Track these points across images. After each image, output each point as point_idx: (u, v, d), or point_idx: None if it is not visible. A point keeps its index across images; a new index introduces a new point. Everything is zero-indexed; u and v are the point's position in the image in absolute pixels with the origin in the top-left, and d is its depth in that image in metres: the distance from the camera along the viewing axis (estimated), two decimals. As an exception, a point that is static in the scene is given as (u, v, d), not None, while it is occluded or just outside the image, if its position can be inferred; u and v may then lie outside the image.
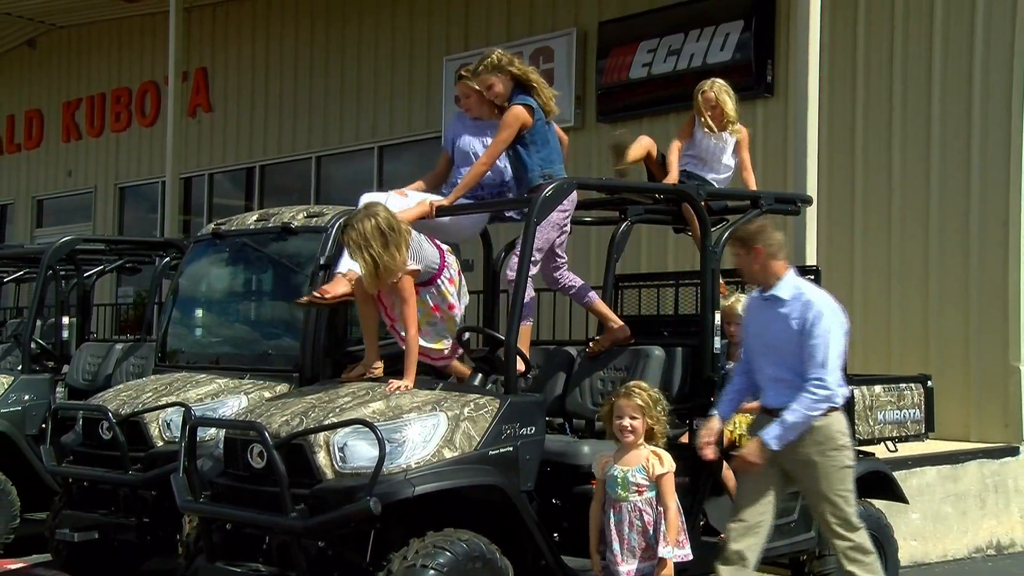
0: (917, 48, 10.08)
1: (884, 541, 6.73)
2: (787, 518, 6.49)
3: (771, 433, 5.53)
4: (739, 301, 6.48)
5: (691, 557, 5.57)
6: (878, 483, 6.95)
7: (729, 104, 7.12)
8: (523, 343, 6.10)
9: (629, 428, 5.41)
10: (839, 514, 5.72)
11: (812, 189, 8.25)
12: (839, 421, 5.68)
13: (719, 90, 7.14)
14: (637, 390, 5.47)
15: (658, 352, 6.44)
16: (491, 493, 5.47)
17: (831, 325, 5.57)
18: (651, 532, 5.38)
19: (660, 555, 5.34)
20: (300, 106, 15.66)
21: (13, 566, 8.27)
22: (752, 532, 5.67)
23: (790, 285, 5.73)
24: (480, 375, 6.02)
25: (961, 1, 9.83)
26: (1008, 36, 9.52)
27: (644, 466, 5.39)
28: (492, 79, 6.27)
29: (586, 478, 5.85)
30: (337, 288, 6.09)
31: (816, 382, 5.50)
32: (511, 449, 5.45)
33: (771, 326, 5.72)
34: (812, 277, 7.21)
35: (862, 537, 5.79)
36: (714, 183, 7.15)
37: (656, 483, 5.39)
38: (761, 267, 5.74)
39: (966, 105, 9.73)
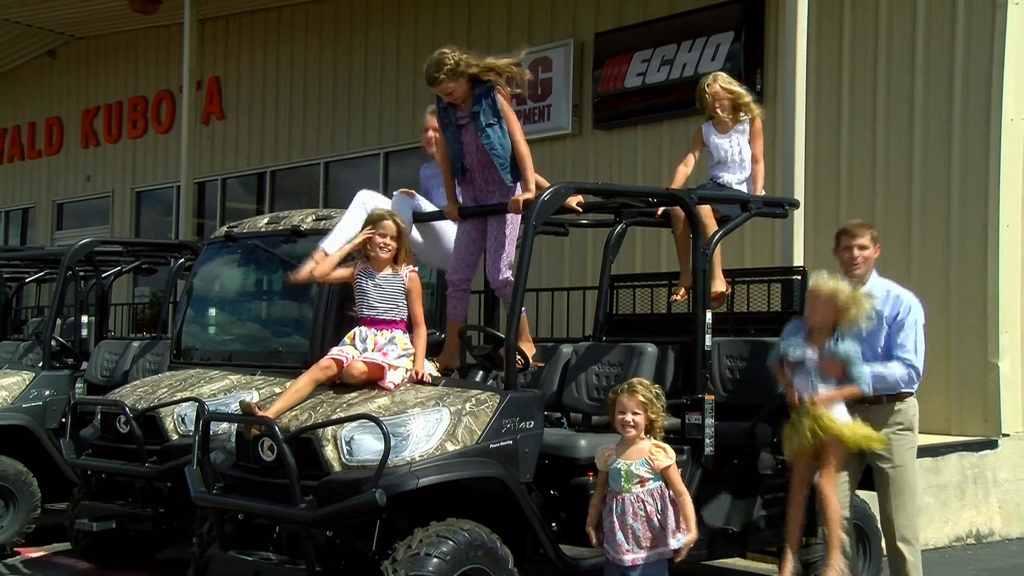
0: (900, 59, 10.07)
1: (868, 530, 6.74)
2: (775, 509, 6.49)
3: (864, 380, 5.93)
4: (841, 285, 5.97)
5: (697, 535, 5.56)
6: (863, 475, 6.94)
7: (737, 89, 6.90)
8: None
9: (631, 423, 5.43)
10: (905, 493, 6.06)
11: (799, 193, 8.24)
12: (914, 407, 6.15)
13: (725, 82, 6.92)
14: (640, 387, 5.49)
15: (651, 349, 6.44)
16: (492, 484, 5.47)
17: (918, 317, 6.12)
18: (655, 521, 5.37)
19: (672, 547, 5.35)
20: (309, 114, 15.66)
21: (34, 554, 8.27)
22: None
23: (879, 283, 6.19)
24: (481, 372, 6.03)
25: (942, 14, 9.82)
26: (987, 49, 9.50)
27: (647, 459, 5.41)
28: (451, 86, 6.04)
29: (583, 470, 5.85)
30: (303, 271, 6.22)
31: (908, 364, 6.04)
32: (511, 442, 5.45)
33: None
34: (799, 277, 7.22)
35: (917, 522, 6.17)
36: (740, 186, 6.99)
37: (662, 475, 5.40)
38: (871, 264, 6.19)
39: (947, 110, 9.73)
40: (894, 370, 6.02)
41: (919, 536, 6.18)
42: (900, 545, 6.04)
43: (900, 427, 6.07)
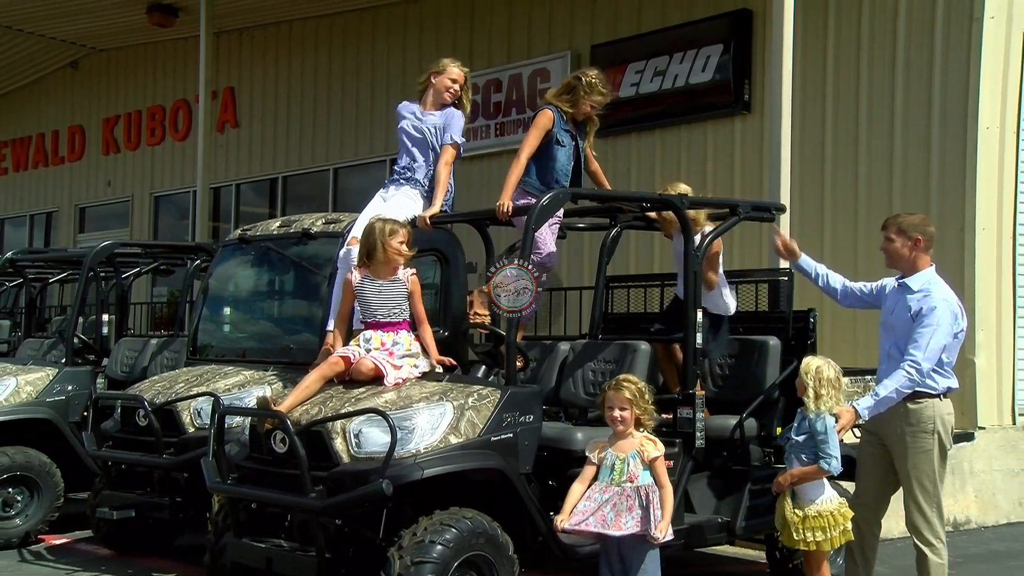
0: (882, 69, 10.08)
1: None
2: (762, 499, 6.49)
3: (863, 404, 5.64)
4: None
5: (672, 536, 5.55)
6: (846, 466, 6.91)
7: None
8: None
9: (619, 418, 5.44)
10: (919, 495, 5.71)
11: (785, 198, 8.24)
12: (932, 408, 5.74)
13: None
14: (626, 383, 5.49)
15: (645, 346, 6.44)
16: (493, 475, 5.47)
17: (942, 320, 5.68)
18: (629, 515, 5.36)
19: (655, 536, 5.33)
20: (319, 122, 15.65)
21: (57, 541, 8.27)
22: (875, 511, 5.87)
23: (923, 279, 5.84)
24: (483, 368, 6.02)
25: (922, 26, 9.82)
26: (964, 61, 9.51)
27: (638, 451, 5.41)
28: None
29: (579, 462, 5.84)
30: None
31: (911, 363, 5.60)
32: (511, 435, 5.46)
33: (896, 308, 5.86)
34: (786, 278, 7.22)
35: (938, 523, 5.75)
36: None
37: (650, 466, 5.39)
38: (912, 256, 5.86)
39: (926, 119, 9.72)
40: (896, 380, 5.60)
41: (941, 536, 5.72)
42: (920, 545, 5.73)
43: (912, 429, 5.71)
